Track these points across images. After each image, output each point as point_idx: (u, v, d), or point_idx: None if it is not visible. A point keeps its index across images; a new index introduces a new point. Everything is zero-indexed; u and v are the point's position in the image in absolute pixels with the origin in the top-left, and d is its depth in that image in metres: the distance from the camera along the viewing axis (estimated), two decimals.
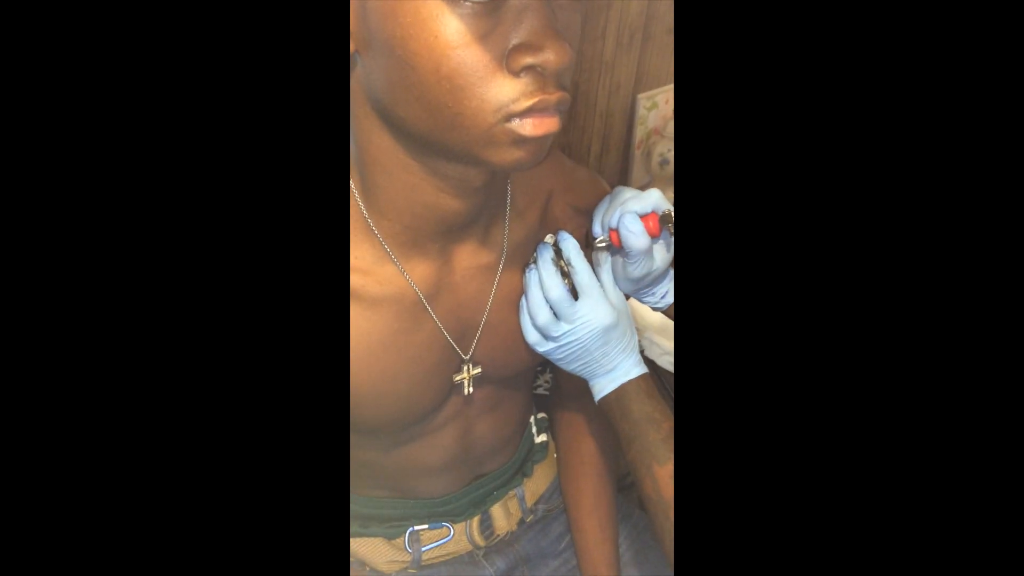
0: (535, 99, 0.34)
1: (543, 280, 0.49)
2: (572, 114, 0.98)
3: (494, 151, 0.36)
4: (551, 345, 0.50)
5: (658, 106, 1.05)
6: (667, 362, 0.83)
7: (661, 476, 0.49)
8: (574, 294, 0.50)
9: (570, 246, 0.50)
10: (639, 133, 1.05)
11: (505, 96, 0.34)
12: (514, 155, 0.36)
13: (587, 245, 0.52)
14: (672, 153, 1.04)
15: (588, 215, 0.53)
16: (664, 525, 0.49)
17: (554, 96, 0.35)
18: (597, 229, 0.51)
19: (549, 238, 0.51)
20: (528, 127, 0.35)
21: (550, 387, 0.85)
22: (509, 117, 0.34)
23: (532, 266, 0.51)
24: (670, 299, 0.55)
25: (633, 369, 0.51)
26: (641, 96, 1.02)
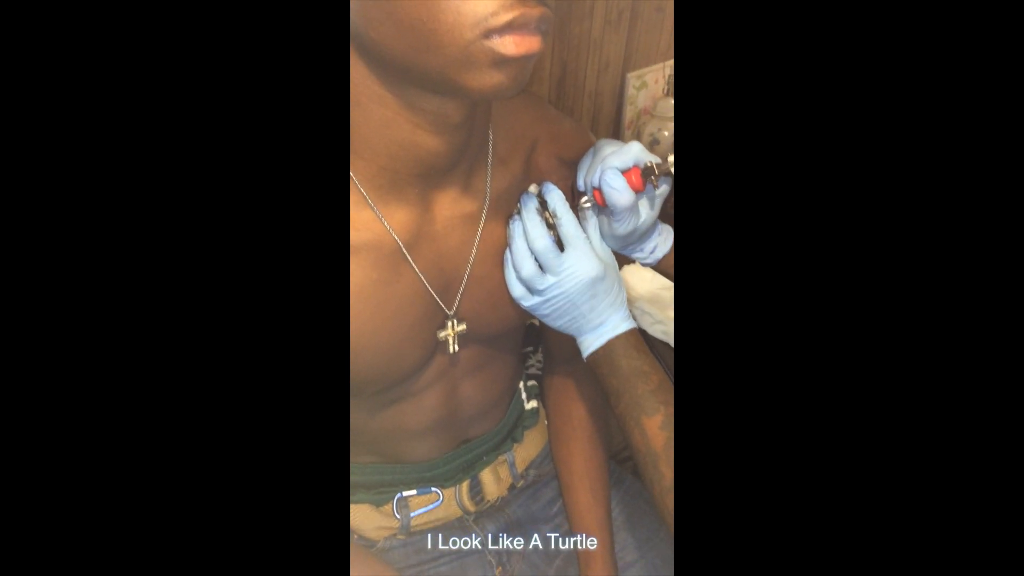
0: (515, 12, 0.33)
1: (527, 231, 0.49)
2: (560, 93, 0.98)
3: (472, 74, 0.35)
4: (537, 299, 0.50)
5: (647, 85, 1.05)
6: (659, 331, 0.83)
7: (650, 427, 0.49)
8: (560, 246, 0.49)
9: (556, 197, 0.49)
10: (629, 113, 1.05)
11: (483, 9, 0.33)
12: (494, 78, 0.35)
13: (572, 199, 0.52)
14: (663, 133, 1.04)
15: (573, 166, 0.53)
16: (653, 475, 0.48)
17: (535, 11, 0.34)
18: (581, 184, 0.51)
19: (533, 188, 0.51)
20: (509, 45, 0.34)
21: (542, 366, 0.84)
22: (488, 33, 0.33)
23: (516, 217, 0.50)
24: (659, 254, 0.55)
25: (621, 324, 0.50)
26: (630, 75, 1.02)
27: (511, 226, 0.50)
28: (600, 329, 0.50)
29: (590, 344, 0.51)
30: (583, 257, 0.48)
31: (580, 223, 0.51)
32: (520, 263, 0.49)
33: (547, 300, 0.49)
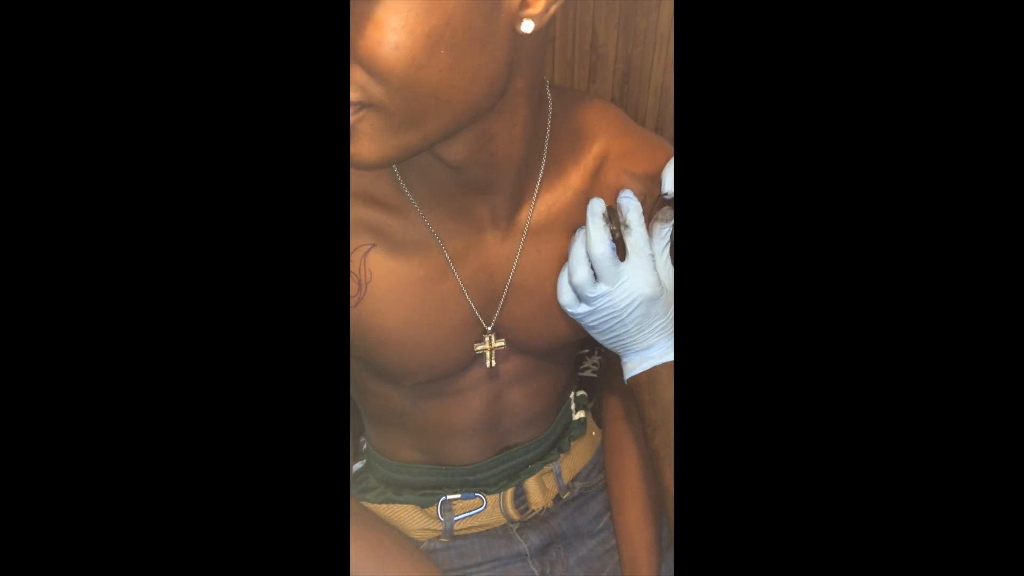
0: None
1: (589, 235, 0.46)
2: (625, 90, 0.96)
3: None
4: (584, 308, 0.47)
5: None
6: None
7: None
8: (621, 258, 0.47)
9: (631, 204, 0.46)
10: None
11: None
12: None
13: (647, 212, 0.49)
14: None
15: (647, 180, 0.49)
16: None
17: None
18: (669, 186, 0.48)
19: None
20: None
21: (598, 369, 0.82)
22: None
23: (583, 227, 0.48)
24: None
25: (669, 352, 0.48)
26: None
27: (576, 233, 0.48)
28: (646, 353, 0.48)
29: (634, 367, 0.49)
30: (642, 272, 0.46)
31: (651, 237, 0.48)
32: (575, 267, 0.47)
33: (594, 311, 0.47)
